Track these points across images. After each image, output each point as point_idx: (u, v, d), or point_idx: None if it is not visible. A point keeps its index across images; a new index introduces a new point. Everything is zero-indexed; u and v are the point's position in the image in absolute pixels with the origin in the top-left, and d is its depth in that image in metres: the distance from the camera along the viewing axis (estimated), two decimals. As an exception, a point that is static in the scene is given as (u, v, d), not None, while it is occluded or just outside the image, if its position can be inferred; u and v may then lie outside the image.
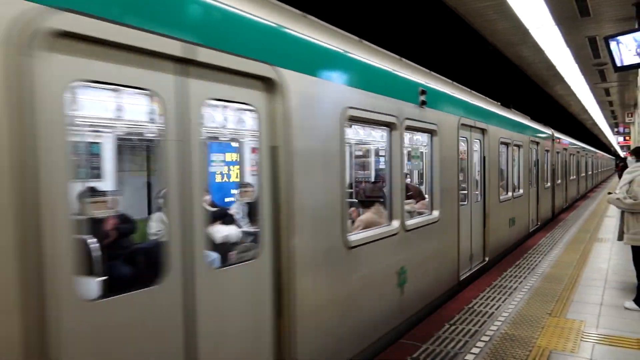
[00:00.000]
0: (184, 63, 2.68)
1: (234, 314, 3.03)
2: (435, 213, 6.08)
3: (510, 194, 9.75)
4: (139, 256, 3.50)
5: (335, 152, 4.02)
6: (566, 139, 18.51)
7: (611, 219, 13.75)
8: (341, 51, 4.23)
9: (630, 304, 5.82)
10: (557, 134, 15.81)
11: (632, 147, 13.45)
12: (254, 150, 6.68)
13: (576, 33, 8.98)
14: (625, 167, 6.18)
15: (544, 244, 10.13)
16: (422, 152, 7.02)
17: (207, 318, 2.81)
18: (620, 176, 18.06)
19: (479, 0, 7.21)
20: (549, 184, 14.32)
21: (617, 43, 7.36)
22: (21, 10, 1.97)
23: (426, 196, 6.51)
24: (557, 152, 15.72)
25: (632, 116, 19.91)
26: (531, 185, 11.77)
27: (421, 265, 5.67)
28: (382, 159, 9.38)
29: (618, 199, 5.79)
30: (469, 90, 7.75)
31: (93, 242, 3.47)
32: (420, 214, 6.23)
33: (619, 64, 7.50)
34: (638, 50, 7.14)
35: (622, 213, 5.95)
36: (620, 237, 5.99)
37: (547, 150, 13.98)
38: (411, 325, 5.29)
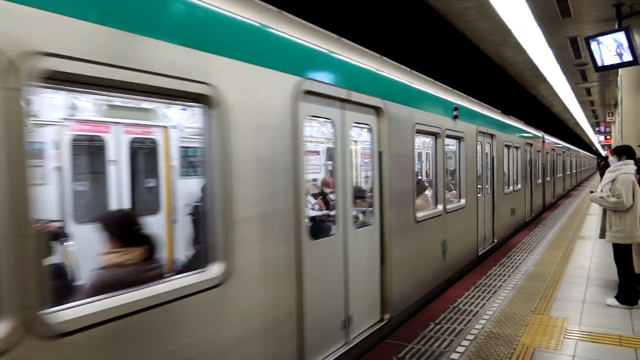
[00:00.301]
0: (343, 102, 4.42)
1: (363, 254, 4.80)
2: (463, 201, 7.76)
3: (511, 188, 11.50)
4: (328, 222, 5.05)
5: (409, 154, 5.82)
6: (553, 140, 20.33)
7: (593, 217, 13.95)
8: (415, 86, 6.19)
9: (612, 301, 5.89)
10: (546, 136, 17.46)
11: (612, 147, 13.65)
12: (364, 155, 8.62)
13: (558, 33, 9.08)
14: (607, 166, 6.26)
15: (528, 242, 10.23)
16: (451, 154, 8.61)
17: (352, 253, 4.56)
18: (602, 175, 18.43)
19: (461, 0, 7.25)
20: (540, 180, 15.99)
21: (598, 43, 7.46)
22: (295, 81, 3.66)
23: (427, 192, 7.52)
24: (547, 152, 17.50)
25: (612, 115, 20.22)
26: (526, 181, 13.36)
27: (455, 240, 7.34)
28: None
29: (602, 197, 5.86)
30: (483, 104, 9.62)
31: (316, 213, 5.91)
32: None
33: (599, 64, 7.61)
34: (618, 50, 7.25)
35: (604, 211, 6.02)
36: (602, 235, 6.06)
37: (539, 151, 15.64)
38: (449, 284, 7.01)
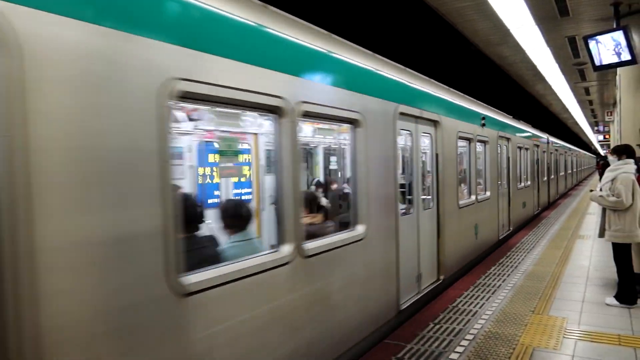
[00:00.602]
0: (417, 118, 6.13)
1: (427, 229, 6.51)
2: (488, 193, 9.50)
3: (523, 184, 13.41)
4: (408, 203, 6.20)
5: (454, 155, 7.48)
6: (556, 141, 22.35)
7: (592, 216, 13.95)
8: (458, 104, 8.00)
9: (611, 300, 5.89)
10: (550, 138, 19.38)
11: (611, 146, 13.66)
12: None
13: (556, 33, 9.06)
14: (606, 165, 6.27)
15: (527, 242, 10.23)
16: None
17: (421, 228, 6.31)
18: (601, 174, 18.53)
19: (459, 0, 7.24)
20: (545, 178, 17.91)
21: (596, 43, 7.44)
22: (395, 106, 5.42)
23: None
24: (551, 152, 19.54)
25: (611, 115, 20.22)
26: (534, 179, 15.26)
27: (483, 225, 9.07)
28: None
29: (601, 196, 5.86)
30: (502, 112, 11.29)
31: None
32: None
33: (598, 64, 7.58)
34: (616, 49, 7.23)
35: (603, 210, 6.02)
36: (601, 234, 6.05)
37: (544, 152, 17.57)
38: (479, 260, 8.66)
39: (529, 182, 14.15)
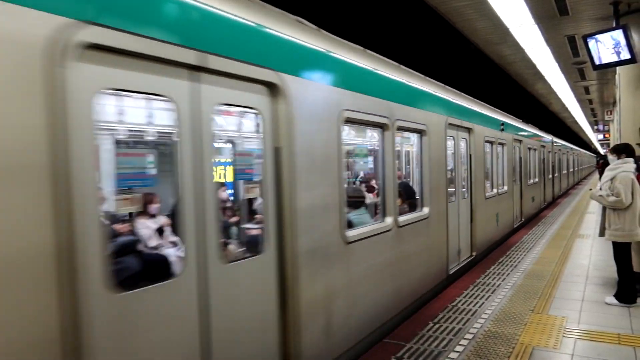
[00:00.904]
0: (458, 127, 7.90)
1: (464, 214, 8.02)
2: (506, 187, 11.05)
3: (532, 181, 15.01)
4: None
5: (482, 155, 9.13)
6: (560, 142, 24.23)
7: (592, 215, 13.95)
8: (485, 113, 9.75)
9: (611, 299, 5.89)
10: (554, 139, 21.23)
11: (611, 145, 13.65)
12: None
13: (555, 32, 9.05)
14: (606, 164, 6.25)
15: (527, 241, 10.23)
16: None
17: (461, 213, 7.96)
18: (601, 174, 18.67)
19: (458, -1, 7.24)
20: (550, 176, 19.70)
21: (596, 41, 7.43)
22: (445, 118, 6.78)
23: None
24: (555, 152, 21.30)
25: (611, 114, 20.20)
26: (541, 176, 16.89)
27: (502, 214, 10.66)
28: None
29: (601, 195, 5.86)
30: (515, 117, 13.00)
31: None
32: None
33: (597, 63, 7.57)
34: (616, 48, 7.22)
35: (603, 209, 6.01)
36: (601, 233, 6.04)
37: (549, 152, 19.27)
38: (499, 244, 10.26)
39: (537, 179, 15.82)
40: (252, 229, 4.62)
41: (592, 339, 4.79)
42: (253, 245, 3.67)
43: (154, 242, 4.58)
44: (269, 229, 3.49)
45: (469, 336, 4.86)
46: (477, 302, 5.97)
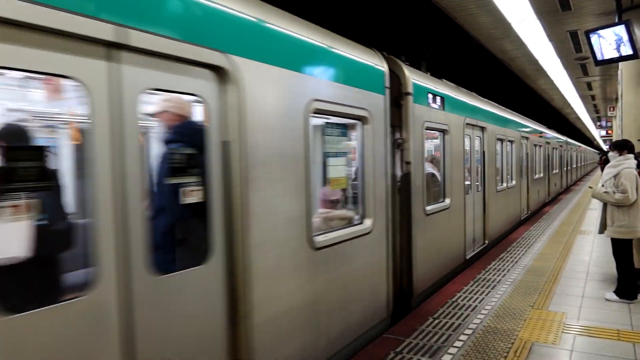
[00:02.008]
0: (482, 128, 9.26)
1: (478, 205, 8.86)
2: (514, 182, 11.72)
3: (537, 176, 15.76)
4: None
5: (494, 153, 9.89)
6: (567, 140, 25.97)
7: (594, 212, 13.92)
8: (498, 113, 10.54)
9: (611, 295, 5.88)
10: (562, 136, 23.42)
11: (613, 141, 13.62)
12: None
13: (558, 27, 9.02)
14: (608, 161, 6.20)
15: (528, 237, 10.22)
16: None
17: (475, 204, 8.81)
18: (602, 170, 18.68)
19: (460, -7, 7.22)
20: (556, 170, 20.78)
21: (598, 37, 7.39)
22: (463, 119, 7.87)
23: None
24: (563, 149, 22.96)
25: (613, 110, 20.13)
26: (546, 170, 17.76)
27: (512, 206, 11.57)
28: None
29: (606, 192, 5.80)
30: (523, 116, 14.01)
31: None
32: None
33: (599, 58, 7.53)
34: (618, 44, 7.19)
35: (604, 206, 5.96)
36: (602, 230, 6.00)
37: (554, 148, 20.13)
38: (508, 233, 11.12)
39: (542, 175, 16.52)
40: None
41: (591, 334, 4.79)
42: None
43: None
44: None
45: (469, 331, 4.87)
46: (477, 298, 5.97)
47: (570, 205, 16.81)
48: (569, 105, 23.81)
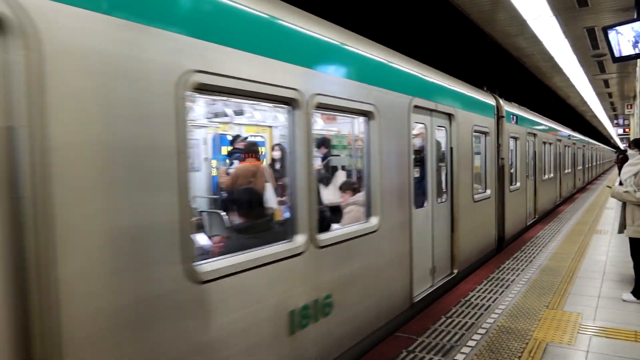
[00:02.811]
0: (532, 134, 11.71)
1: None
2: (518, 184, 10.74)
3: (555, 173, 16.53)
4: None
5: (525, 152, 11.17)
6: (588, 140, 27.52)
7: (611, 211, 13.71)
8: (540, 121, 13.37)
9: (628, 296, 5.78)
10: (584, 137, 24.91)
11: (631, 139, 13.40)
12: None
13: (574, 24, 8.91)
14: (625, 159, 6.07)
15: (543, 236, 10.10)
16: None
17: (508, 201, 9.75)
18: (619, 169, 18.55)
19: (475, -10, 7.16)
20: (580, 167, 22.58)
21: (616, 33, 7.27)
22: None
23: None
24: (568, 146, 23.07)
25: (631, 108, 19.82)
26: (564, 168, 17.90)
27: (513, 212, 10.56)
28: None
29: (627, 191, 5.63)
30: (532, 111, 13.39)
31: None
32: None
33: (617, 55, 7.41)
34: (637, 40, 7.06)
35: (623, 205, 5.82)
36: (621, 230, 5.88)
37: (567, 146, 20.12)
38: (528, 228, 11.39)
39: (551, 175, 16.95)
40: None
41: (608, 335, 4.72)
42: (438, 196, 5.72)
43: None
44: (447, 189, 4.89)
45: (482, 331, 4.82)
46: (491, 297, 5.92)
47: (587, 204, 16.58)
48: (585, 103, 23.51)
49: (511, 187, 9.71)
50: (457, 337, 4.68)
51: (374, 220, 4.60)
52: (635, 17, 7.15)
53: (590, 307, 5.56)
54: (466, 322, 5.06)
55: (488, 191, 8.41)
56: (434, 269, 6.20)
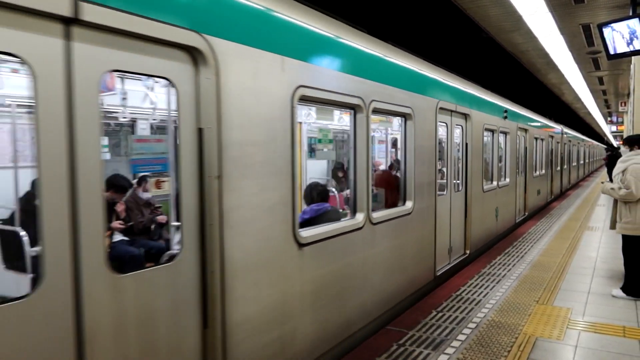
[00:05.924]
0: (525, 130, 12.37)
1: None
2: (507, 180, 10.68)
3: (557, 168, 18.08)
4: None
5: (533, 148, 13.08)
6: (584, 138, 28.97)
7: (602, 208, 13.81)
8: (533, 117, 13.52)
9: (618, 292, 5.83)
10: (581, 136, 26.03)
11: (624, 137, 13.48)
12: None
13: (570, 20, 8.90)
14: (612, 157, 6.16)
15: (535, 232, 10.15)
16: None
17: (528, 185, 12.65)
18: (607, 166, 19.14)
19: (471, -16, 7.13)
20: (575, 163, 23.64)
21: (611, 30, 7.28)
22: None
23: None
24: (574, 145, 24.10)
25: (625, 105, 19.89)
26: (562, 165, 19.20)
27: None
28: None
29: (612, 188, 5.75)
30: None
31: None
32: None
33: (612, 52, 7.42)
34: (631, 37, 7.07)
35: (615, 202, 5.92)
36: (613, 226, 5.95)
37: (574, 145, 22.71)
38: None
39: (543, 171, 17.79)
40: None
41: (596, 331, 4.76)
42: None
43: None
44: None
45: (472, 325, 4.85)
46: (482, 292, 5.95)
47: (578, 200, 16.68)
48: (579, 100, 23.58)
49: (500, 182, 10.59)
50: (447, 331, 4.70)
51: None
52: (630, 14, 7.15)
53: (580, 302, 5.61)
54: (457, 317, 5.09)
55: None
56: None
